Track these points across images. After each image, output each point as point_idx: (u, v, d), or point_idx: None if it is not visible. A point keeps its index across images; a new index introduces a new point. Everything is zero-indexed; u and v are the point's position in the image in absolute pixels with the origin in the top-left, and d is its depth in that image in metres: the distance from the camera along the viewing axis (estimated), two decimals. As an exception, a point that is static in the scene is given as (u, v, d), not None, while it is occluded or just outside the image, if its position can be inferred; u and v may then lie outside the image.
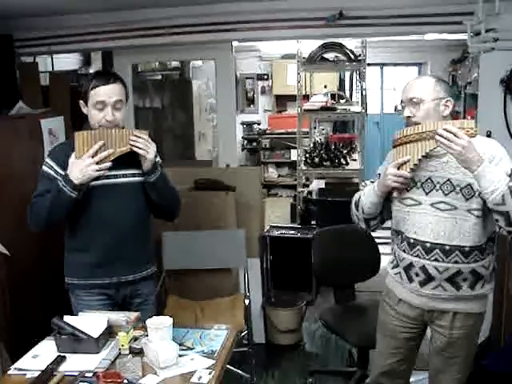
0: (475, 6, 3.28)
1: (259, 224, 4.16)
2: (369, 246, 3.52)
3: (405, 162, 2.22)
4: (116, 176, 2.46)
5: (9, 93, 3.94)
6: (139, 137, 2.37)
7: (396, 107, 2.38)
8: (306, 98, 6.66)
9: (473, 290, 2.29)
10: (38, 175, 2.48)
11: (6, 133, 3.31)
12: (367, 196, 2.42)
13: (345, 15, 3.79)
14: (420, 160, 2.22)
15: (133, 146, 2.37)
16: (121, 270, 2.52)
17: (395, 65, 9.12)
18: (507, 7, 3.21)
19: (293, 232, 4.86)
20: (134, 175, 2.49)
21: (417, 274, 2.31)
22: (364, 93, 6.17)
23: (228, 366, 2.25)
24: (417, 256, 2.30)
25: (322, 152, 5.95)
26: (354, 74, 7.64)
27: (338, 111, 6.04)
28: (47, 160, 2.46)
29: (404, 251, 2.35)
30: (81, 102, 2.45)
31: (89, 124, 2.47)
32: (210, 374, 2.00)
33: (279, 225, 5.07)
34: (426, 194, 2.27)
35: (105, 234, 2.46)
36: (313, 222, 5.30)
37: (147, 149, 2.39)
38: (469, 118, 7.26)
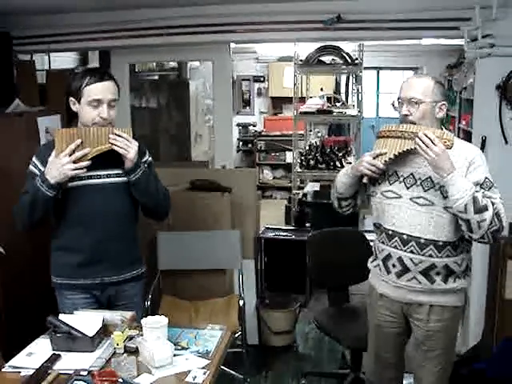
0: (472, 11, 3.30)
1: (254, 225, 4.17)
2: (363, 248, 3.52)
3: (381, 154, 2.34)
4: (100, 176, 2.43)
5: (5, 90, 3.93)
6: (119, 135, 2.34)
7: (393, 103, 2.46)
8: (302, 100, 6.68)
9: (446, 283, 2.38)
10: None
11: (3, 130, 3.31)
12: (341, 176, 2.56)
13: (343, 19, 3.80)
14: (396, 155, 2.33)
15: (112, 144, 2.34)
16: (105, 270, 2.50)
17: (391, 69, 9.17)
18: (504, 13, 3.22)
19: (287, 234, 4.87)
20: (118, 175, 2.46)
21: (394, 265, 2.42)
22: (360, 96, 6.19)
23: (221, 366, 2.25)
24: (394, 247, 2.41)
25: (317, 155, 5.97)
26: (351, 77, 7.68)
27: (334, 114, 6.07)
28: (33, 159, 2.43)
29: (383, 242, 2.47)
30: (71, 99, 2.40)
31: (77, 122, 2.45)
32: (204, 373, 2.00)
33: (274, 226, 5.07)
34: (407, 188, 2.38)
35: (89, 234, 2.44)
36: (307, 224, 5.31)
37: (127, 147, 2.35)
38: (463, 122, 7.31)
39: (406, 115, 2.34)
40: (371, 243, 3.57)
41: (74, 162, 2.29)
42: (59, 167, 2.28)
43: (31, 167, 2.43)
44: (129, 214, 2.56)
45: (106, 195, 2.45)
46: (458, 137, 7.70)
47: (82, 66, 6.25)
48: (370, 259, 2.63)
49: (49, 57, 5.18)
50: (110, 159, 2.40)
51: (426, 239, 2.34)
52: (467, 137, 6.91)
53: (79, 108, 2.39)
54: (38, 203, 2.33)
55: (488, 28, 3.28)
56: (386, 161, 2.34)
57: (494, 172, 3.34)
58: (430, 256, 2.34)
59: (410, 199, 2.36)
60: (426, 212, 2.34)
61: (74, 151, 2.29)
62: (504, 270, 3.30)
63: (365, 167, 2.37)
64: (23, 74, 4.34)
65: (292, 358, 3.99)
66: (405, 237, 2.37)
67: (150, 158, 2.62)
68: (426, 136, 2.20)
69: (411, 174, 2.38)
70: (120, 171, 2.45)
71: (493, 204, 2.22)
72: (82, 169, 2.31)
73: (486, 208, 2.19)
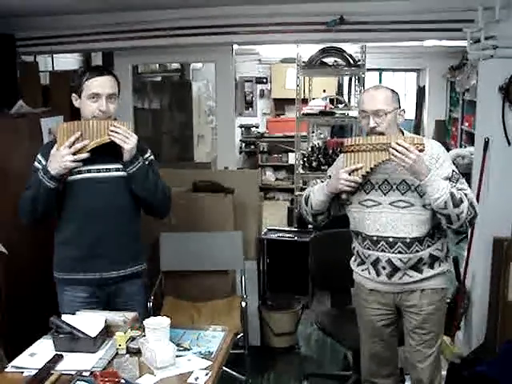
0: (475, 13, 3.30)
1: (256, 227, 4.17)
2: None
3: (357, 169, 2.42)
4: (99, 170, 2.47)
5: (9, 92, 3.94)
6: (119, 127, 2.38)
7: (357, 118, 2.56)
8: (305, 101, 6.67)
9: (433, 269, 2.51)
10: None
11: (6, 131, 3.32)
12: (317, 195, 2.60)
13: (345, 20, 3.80)
14: (372, 168, 2.41)
15: (111, 135, 2.38)
16: (104, 266, 2.51)
17: (394, 70, 9.17)
18: (507, 15, 3.22)
19: (290, 235, 4.86)
20: (118, 170, 2.49)
21: (384, 268, 2.51)
22: (363, 98, 6.17)
23: (223, 367, 2.26)
24: (382, 251, 2.50)
25: (319, 156, 5.96)
26: (353, 78, 7.66)
27: (337, 116, 6.05)
28: (38, 155, 2.50)
29: (369, 248, 2.54)
30: (73, 95, 2.48)
31: (80, 118, 2.49)
32: (206, 374, 2.00)
33: (276, 228, 5.07)
34: (384, 194, 2.49)
35: (88, 228, 2.47)
36: (310, 226, 5.30)
37: (126, 139, 2.39)
38: (466, 124, 7.31)
39: (375, 127, 2.43)
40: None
41: (74, 154, 2.33)
42: (59, 159, 2.33)
43: (35, 163, 2.49)
44: (129, 209, 2.57)
45: (106, 189, 2.48)
46: (461, 138, 7.74)
47: (85, 67, 6.26)
48: (354, 262, 2.71)
49: (52, 58, 5.21)
50: (110, 154, 2.43)
51: (411, 238, 2.45)
52: (470, 138, 6.92)
53: (80, 103, 2.46)
54: (40, 196, 2.38)
55: (491, 29, 3.28)
56: (363, 175, 2.43)
57: (497, 173, 3.38)
58: (417, 251, 2.46)
59: (390, 204, 2.47)
60: (408, 213, 2.44)
61: (74, 143, 2.34)
62: (507, 272, 3.30)
63: (344, 185, 2.44)
64: (27, 75, 4.36)
65: (294, 360, 3.99)
66: (391, 239, 2.47)
67: (152, 157, 2.65)
68: (400, 145, 2.29)
69: (385, 180, 2.48)
70: (120, 166, 2.48)
71: (466, 195, 2.36)
72: (80, 161, 2.35)
73: (461, 201, 2.33)
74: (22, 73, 4.25)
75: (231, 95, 4.75)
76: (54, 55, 5.30)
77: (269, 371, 3.80)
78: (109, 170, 2.48)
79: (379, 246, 2.49)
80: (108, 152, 2.42)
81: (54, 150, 2.37)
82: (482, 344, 3.44)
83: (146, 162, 2.56)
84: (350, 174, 2.43)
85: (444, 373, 3.22)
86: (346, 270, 3.42)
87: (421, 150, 2.32)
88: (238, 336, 3.38)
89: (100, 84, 2.41)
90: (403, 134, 2.52)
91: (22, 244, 3.17)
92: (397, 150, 2.30)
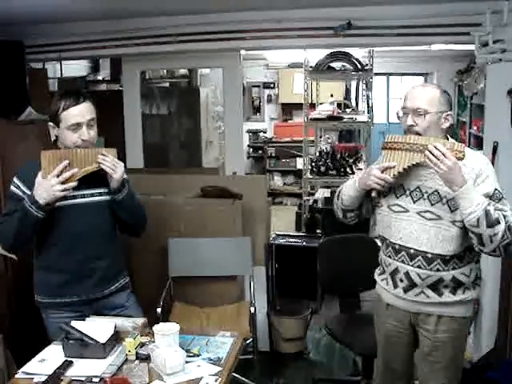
0: (483, 17, 3.30)
1: (265, 232, 4.16)
2: (374, 254, 3.51)
3: (390, 167, 2.29)
4: (83, 196, 2.45)
5: (18, 98, 3.97)
6: (107, 156, 2.37)
7: (398, 113, 2.42)
8: (313, 106, 6.68)
9: (454, 295, 2.33)
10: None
11: (15, 138, 3.34)
12: (347, 189, 2.49)
13: (353, 25, 3.81)
14: (405, 169, 2.28)
15: (100, 164, 2.36)
16: (89, 287, 2.50)
17: (401, 74, 9.16)
18: (515, 19, 3.22)
19: (298, 240, 4.86)
20: (100, 194, 2.49)
21: (401, 280, 2.38)
22: (370, 102, 6.18)
23: (233, 373, 2.25)
24: (402, 262, 2.36)
25: (327, 161, 5.97)
26: (361, 83, 7.66)
27: (345, 120, 6.05)
28: (14, 179, 2.42)
29: (390, 257, 2.42)
30: (50, 124, 2.42)
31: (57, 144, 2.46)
32: (216, 380, 2.00)
33: (285, 233, 5.07)
34: (414, 202, 2.33)
35: (72, 253, 2.46)
36: (318, 231, 5.30)
37: (114, 168, 2.38)
38: (475, 128, 7.28)
39: (412, 126, 2.29)
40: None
41: (62, 183, 2.30)
42: (48, 188, 2.28)
43: (13, 188, 2.42)
44: (111, 231, 2.58)
45: (90, 214, 2.47)
46: (469, 142, 7.72)
47: (94, 73, 6.30)
48: (377, 271, 2.58)
49: (61, 65, 5.24)
50: (92, 179, 2.41)
51: (433, 254, 2.29)
52: (478, 142, 6.89)
53: (59, 132, 2.41)
54: (28, 225, 2.33)
55: (499, 33, 3.27)
56: (394, 175, 2.29)
57: (506, 178, 3.36)
58: (438, 270, 2.30)
59: (418, 213, 2.32)
60: (433, 226, 2.29)
61: (61, 172, 2.31)
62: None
63: (374, 181, 2.31)
64: (35, 81, 4.38)
65: (303, 365, 3.98)
66: (412, 251, 2.32)
67: (125, 175, 2.61)
68: (437, 149, 2.15)
69: (418, 187, 2.33)
70: (102, 190, 2.48)
71: (504, 217, 2.16)
72: (68, 189, 2.33)
73: (498, 222, 2.13)
74: (31, 79, 4.28)
75: (239, 100, 4.76)
76: (63, 62, 5.33)
77: (278, 376, 3.79)
78: (93, 194, 2.48)
79: (400, 255, 2.36)
80: (90, 176, 2.40)
81: (39, 178, 2.31)
82: (492, 349, 3.42)
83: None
84: (382, 172, 2.30)
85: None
86: (355, 275, 3.43)
87: (459, 158, 2.15)
88: (247, 341, 3.38)
89: (79, 113, 2.36)
90: (448, 140, 2.31)
91: (30, 250, 3.18)
92: (433, 154, 2.14)
